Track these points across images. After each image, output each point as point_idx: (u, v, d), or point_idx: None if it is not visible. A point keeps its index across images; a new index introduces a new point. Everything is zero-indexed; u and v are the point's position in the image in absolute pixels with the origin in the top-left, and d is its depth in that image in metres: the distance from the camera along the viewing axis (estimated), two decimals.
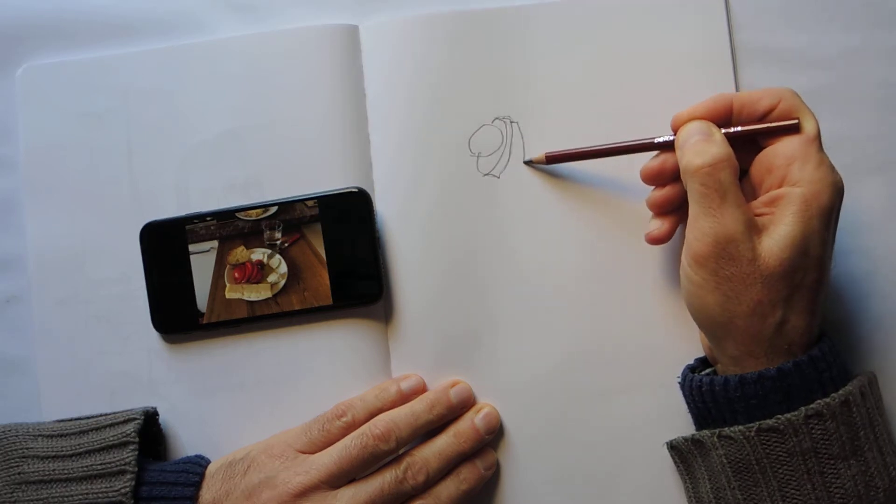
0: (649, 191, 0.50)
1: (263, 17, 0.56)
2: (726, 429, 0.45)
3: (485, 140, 0.54)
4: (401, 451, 0.50)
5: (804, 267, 0.44)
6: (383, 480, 0.48)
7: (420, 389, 0.52)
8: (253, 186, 0.54)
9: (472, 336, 0.53)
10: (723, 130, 0.47)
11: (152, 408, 0.52)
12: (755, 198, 0.47)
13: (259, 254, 0.53)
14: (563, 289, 0.54)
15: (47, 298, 0.54)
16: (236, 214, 0.53)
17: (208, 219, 0.53)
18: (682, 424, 0.51)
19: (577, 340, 0.53)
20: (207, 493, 0.48)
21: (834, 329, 0.53)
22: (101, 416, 0.51)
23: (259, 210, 0.53)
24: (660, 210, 0.50)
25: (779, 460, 0.44)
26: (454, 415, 0.52)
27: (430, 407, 0.51)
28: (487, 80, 0.55)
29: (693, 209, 0.45)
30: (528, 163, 0.54)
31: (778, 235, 0.44)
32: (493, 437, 0.52)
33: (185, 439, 0.53)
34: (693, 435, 0.48)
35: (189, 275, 0.53)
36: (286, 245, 0.53)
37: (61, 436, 0.49)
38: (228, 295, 0.53)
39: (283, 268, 0.53)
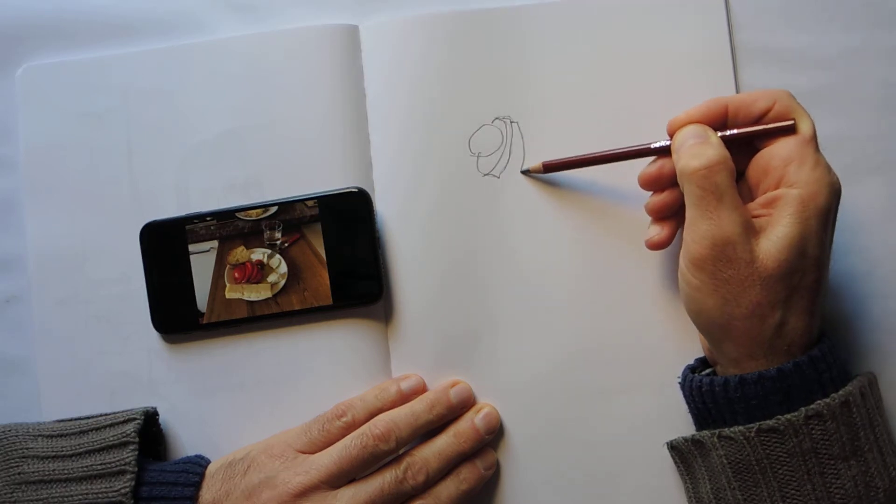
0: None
1: (263, 17, 0.56)
2: (726, 429, 0.45)
3: (485, 140, 0.54)
4: (401, 451, 0.50)
5: (802, 268, 0.44)
6: (383, 480, 0.48)
7: (420, 389, 0.52)
8: (253, 186, 0.54)
9: (472, 336, 0.53)
10: (719, 133, 0.47)
11: (152, 408, 0.52)
12: (752, 200, 0.47)
13: (259, 254, 0.53)
14: (563, 289, 0.54)
15: (47, 298, 0.54)
16: (236, 214, 0.53)
17: (208, 219, 0.53)
18: (682, 424, 0.51)
19: (577, 340, 0.53)
20: (207, 493, 0.48)
21: (834, 329, 0.53)
22: (101, 416, 0.51)
23: (259, 210, 0.53)
24: (658, 215, 0.50)
25: (779, 461, 0.44)
26: (454, 415, 0.52)
27: (430, 407, 0.51)
28: (487, 80, 0.55)
29: (690, 212, 0.45)
30: (526, 172, 0.54)
31: (775, 237, 0.44)
32: (493, 437, 0.52)
33: (185, 439, 0.53)
34: (693, 435, 0.48)
35: (189, 275, 0.53)
36: (286, 245, 0.53)
37: (61, 436, 0.49)
38: (228, 295, 0.53)
39: (283, 268, 0.53)
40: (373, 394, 0.51)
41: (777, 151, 0.46)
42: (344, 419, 0.50)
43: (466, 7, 0.55)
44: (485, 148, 0.55)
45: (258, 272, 0.53)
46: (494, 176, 0.54)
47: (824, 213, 0.44)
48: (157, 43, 0.56)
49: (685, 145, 0.46)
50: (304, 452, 0.49)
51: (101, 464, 0.47)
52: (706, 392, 0.47)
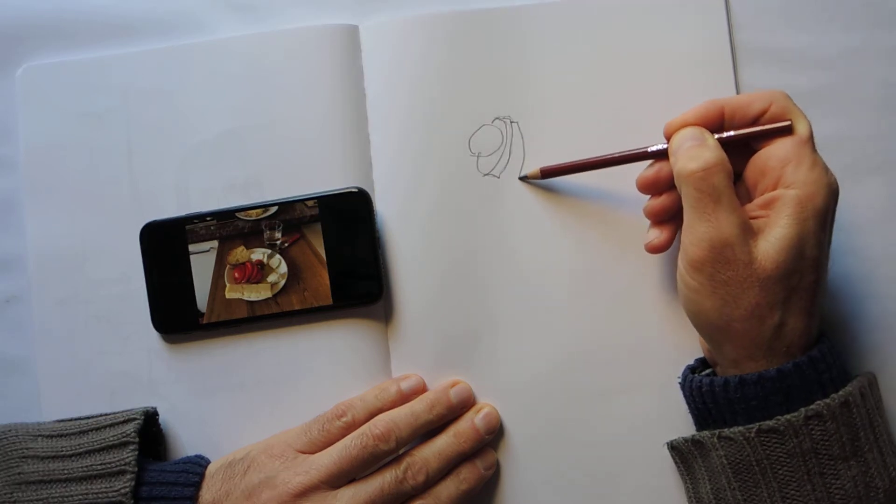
0: None
1: (263, 17, 0.56)
2: (726, 430, 0.45)
3: (485, 140, 0.54)
4: (401, 451, 0.50)
5: (801, 269, 0.44)
6: (383, 480, 0.48)
7: (420, 389, 0.52)
8: (253, 186, 0.54)
9: (472, 336, 0.53)
10: (715, 135, 0.47)
11: (152, 408, 0.52)
12: (750, 201, 0.47)
13: (259, 254, 0.53)
14: (563, 289, 0.54)
15: (47, 298, 0.54)
16: (236, 214, 0.53)
17: (208, 219, 0.53)
18: (682, 424, 0.51)
19: (577, 340, 0.53)
20: (207, 493, 0.48)
21: (833, 330, 0.53)
22: (101, 416, 0.51)
23: (259, 210, 0.53)
24: (657, 218, 0.50)
25: (779, 461, 0.44)
26: (454, 415, 0.52)
27: (430, 407, 0.51)
28: (487, 80, 0.55)
29: (688, 214, 0.45)
30: (524, 178, 0.54)
31: (773, 238, 0.44)
32: (493, 437, 0.52)
33: (185, 439, 0.53)
34: (693, 435, 0.48)
35: (189, 275, 0.53)
36: (286, 245, 0.53)
37: (61, 436, 0.49)
38: (228, 295, 0.53)
39: (283, 268, 0.53)
40: (373, 394, 0.51)
41: (774, 152, 0.46)
42: (344, 419, 0.50)
43: (466, 7, 0.55)
44: (485, 148, 0.55)
45: (258, 272, 0.53)
46: (494, 176, 0.54)
47: (822, 214, 0.44)
48: (157, 43, 0.56)
49: (682, 148, 0.46)
50: (304, 452, 0.49)
51: (101, 464, 0.47)
52: (706, 392, 0.47)
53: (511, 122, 0.55)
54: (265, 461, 0.49)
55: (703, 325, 0.46)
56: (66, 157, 0.55)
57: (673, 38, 0.55)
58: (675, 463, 0.51)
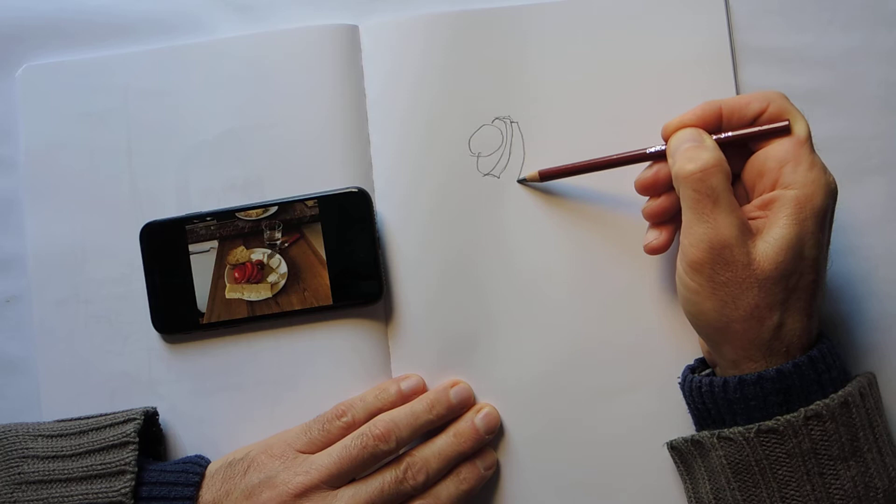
0: None
1: (263, 16, 0.56)
2: (726, 430, 0.45)
3: (485, 140, 0.54)
4: (401, 451, 0.50)
5: (800, 269, 0.44)
6: (383, 480, 0.48)
7: (420, 389, 0.52)
8: (253, 186, 0.54)
9: (472, 336, 0.53)
10: (713, 136, 0.47)
11: (152, 408, 0.52)
12: (749, 202, 0.47)
13: (259, 254, 0.53)
14: (563, 289, 0.54)
15: (47, 298, 0.54)
16: (236, 214, 0.53)
17: (208, 219, 0.53)
18: (682, 424, 0.51)
19: (577, 340, 0.53)
20: (207, 493, 0.48)
21: (833, 330, 0.53)
22: (101, 416, 0.51)
23: (259, 210, 0.53)
24: (656, 220, 0.50)
25: (778, 461, 0.44)
26: (454, 415, 0.52)
27: (430, 407, 0.51)
28: (487, 81, 0.55)
29: (686, 215, 0.45)
30: (522, 181, 0.54)
31: (772, 238, 0.44)
32: (493, 437, 0.52)
33: (185, 439, 0.53)
34: (693, 436, 0.48)
35: (189, 275, 0.53)
36: (286, 245, 0.53)
37: (61, 436, 0.49)
38: (228, 295, 0.53)
39: (283, 268, 0.53)
40: (373, 394, 0.52)
41: (772, 153, 0.46)
42: (344, 419, 0.50)
43: (466, 7, 0.55)
44: (485, 148, 0.55)
45: (258, 272, 0.53)
46: (494, 176, 0.54)
47: (821, 214, 0.44)
48: (157, 43, 0.56)
49: (680, 149, 0.46)
50: (304, 452, 0.49)
51: (101, 464, 0.47)
52: (706, 392, 0.47)
53: (511, 122, 0.55)
54: (265, 461, 0.49)
55: (703, 326, 0.46)
56: (66, 157, 0.55)
57: (673, 39, 0.55)
58: (675, 463, 0.51)
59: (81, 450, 0.48)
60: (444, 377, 0.53)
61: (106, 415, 0.51)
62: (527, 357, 0.53)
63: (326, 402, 0.52)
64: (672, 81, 0.54)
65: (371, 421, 0.50)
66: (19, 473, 0.47)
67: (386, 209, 0.54)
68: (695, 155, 0.45)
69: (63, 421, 0.51)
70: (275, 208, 0.53)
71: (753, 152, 0.47)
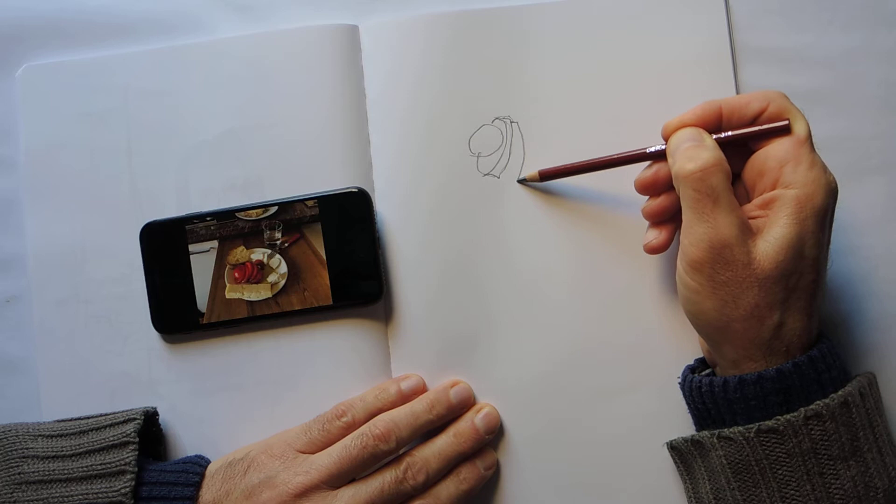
0: None
1: (263, 16, 0.56)
2: (726, 430, 0.45)
3: (485, 140, 0.54)
4: (401, 451, 0.50)
5: (800, 269, 0.44)
6: (383, 480, 0.48)
7: (420, 389, 0.52)
8: (253, 186, 0.54)
9: (472, 336, 0.53)
10: (713, 136, 0.47)
11: (152, 408, 0.52)
12: (749, 201, 0.47)
13: (259, 254, 0.53)
14: (563, 289, 0.54)
15: (47, 298, 0.54)
16: (236, 214, 0.53)
17: (208, 219, 0.53)
18: (682, 424, 0.51)
19: (577, 340, 0.53)
20: (207, 493, 0.48)
21: (833, 329, 0.53)
22: (101, 416, 0.51)
23: (259, 210, 0.53)
24: (655, 219, 0.50)
25: (778, 461, 0.44)
26: (454, 415, 0.52)
27: (430, 407, 0.51)
28: (487, 81, 0.55)
29: (686, 215, 0.45)
30: (522, 181, 0.54)
31: (772, 238, 0.44)
32: (493, 437, 0.52)
33: (185, 439, 0.53)
34: (693, 435, 0.48)
35: (189, 275, 0.53)
36: (286, 245, 0.53)
37: (61, 436, 0.49)
38: (228, 295, 0.53)
39: (283, 268, 0.53)
40: (373, 394, 0.52)
41: (772, 153, 0.46)
42: (344, 419, 0.50)
43: (466, 7, 0.55)
44: (485, 148, 0.55)
45: (258, 272, 0.53)
46: (494, 176, 0.54)
47: (821, 214, 0.44)
48: (157, 43, 0.56)
49: (680, 149, 0.46)
50: (304, 452, 0.49)
51: (101, 464, 0.47)
52: (706, 392, 0.47)
53: (511, 122, 0.55)
54: (265, 461, 0.49)
55: (703, 325, 0.46)
56: (66, 157, 0.55)
57: (673, 39, 0.55)
58: (675, 463, 0.51)
59: (81, 450, 0.48)
60: (444, 377, 0.53)
61: (106, 415, 0.51)
62: (527, 357, 0.53)
63: (326, 402, 0.52)
64: (672, 81, 0.54)
65: (371, 421, 0.50)
66: (19, 473, 0.47)
67: (386, 209, 0.54)
68: (695, 154, 0.45)
69: (63, 421, 0.51)
70: (275, 208, 0.53)
71: (754, 152, 0.47)
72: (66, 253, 0.54)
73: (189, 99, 0.55)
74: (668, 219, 0.50)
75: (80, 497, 0.46)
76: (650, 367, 0.53)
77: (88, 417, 0.51)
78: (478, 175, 0.54)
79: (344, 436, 0.50)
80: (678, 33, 0.55)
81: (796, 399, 0.44)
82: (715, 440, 0.46)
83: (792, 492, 0.44)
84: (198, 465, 0.50)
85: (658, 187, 0.49)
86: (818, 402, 0.44)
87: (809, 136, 0.46)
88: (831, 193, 0.45)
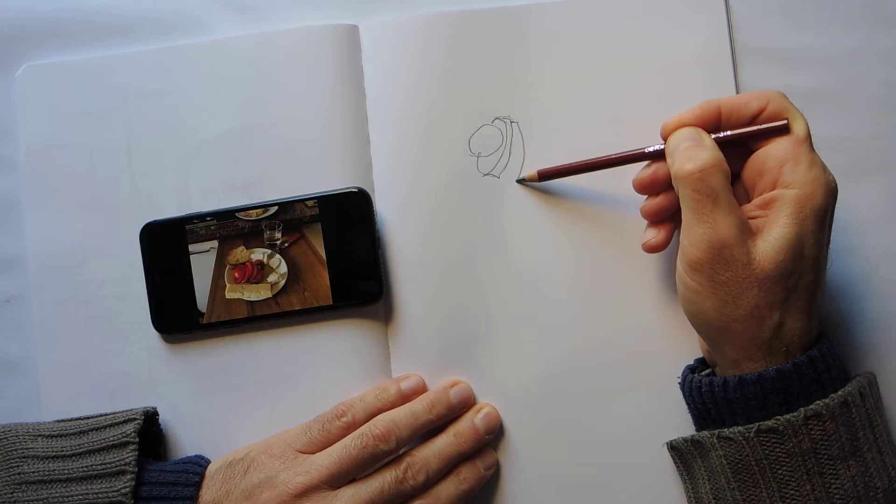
0: None
1: (263, 16, 0.56)
2: (725, 430, 0.45)
3: (485, 140, 0.55)
4: (401, 451, 0.50)
5: (800, 269, 0.44)
6: (383, 480, 0.48)
7: (420, 389, 0.52)
8: (253, 186, 0.54)
9: (472, 336, 0.53)
10: (712, 135, 0.47)
11: (152, 408, 0.52)
12: (748, 201, 0.47)
13: (259, 254, 0.53)
14: (563, 289, 0.54)
15: (47, 298, 0.54)
16: (236, 214, 0.53)
17: (208, 219, 0.53)
18: (682, 424, 0.51)
19: (577, 340, 0.53)
20: (207, 493, 0.48)
21: (833, 329, 0.53)
22: (101, 416, 0.51)
23: (259, 210, 0.53)
24: (654, 219, 0.50)
25: (778, 461, 0.44)
26: (454, 415, 0.52)
27: (430, 407, 0.51)
28: (487, 80, 0.55)
29: (686, 215, 0.45)
30: (521, 181, 0.54)
31: (772, 238, 0.44)
32: (493, 437, 0.52)
33: (185, 439, 0.53)
34: (693, 435, 0.48)
35: (189, 275, 0.53)
36: (286, 245, 0.53)
37: (61, 436, 0.49)
38: (228, 295, 0.53)
39: (283, 268, 0.53)
40: (373, 394, 0.52)
41: (771, 152, 0.46)
42: (344, 419, 0.50)
43: (466, 7, 0.55)
44: (485, 148, 0.55)
45: (258, 272, 0.53)
46: (494, 176, 0.54)
47: (821, 213, 0.44)
48: (157, 43, 0.56)
49: (679, 149, 0.46)
50: (304, 452, 0.49)
51: (101, 464, 0.47)
52: (705, 392, 0.47)
53: (511, 122, 0.55)
54: (265, 461, 0.49)
55: (703, 325, 0.46)
56: (66, 157, 0.55)
57: (673, 39, 0.55)
58: (675, 463, 0.51)
59: (81, 450, 0.48)
60: (444, 377, 0.53)
61: (106, 415, 0.51)
62: (527, 357, 0.53)
63: (326, 402, 0.52)
64: (672, 81, 0.54)
65: (371, 421, 0.50)
66: (19, 473, 0.47)
67: (386, 209, 0.54)
68: (694, 154, 0.45)
69: (63, 421, 0.51)
70: (275, 208, 0.53)
71: (753, 151, 0.47)
72: (66, 253, 0.54)
73: (189, 99, 0.55)
74: (667, 218, 0.50)
75: (80, 497, 0.46)
76: (650, 367, 0.53)
77: (88, 417, 0.51)
78: (478, 175, 0.54)
79: (344, 436, 0.50)
80: (678, 33, 0.55)
81: (796, 399, 0.44)
82: (715, 440, 0.46)
83: (792, 492, 0.44)
84: (198, 465, 0.50)
85: (657, 187, 0.49)
86: (818, 402, 0.44)
87: (808, 136, 0.46)
88: (831, 193, 0.45)
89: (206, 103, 0.55)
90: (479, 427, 0.51)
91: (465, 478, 0.50)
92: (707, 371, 0.49)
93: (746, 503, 0.45)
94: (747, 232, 0.44)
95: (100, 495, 0.47)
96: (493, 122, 0.55)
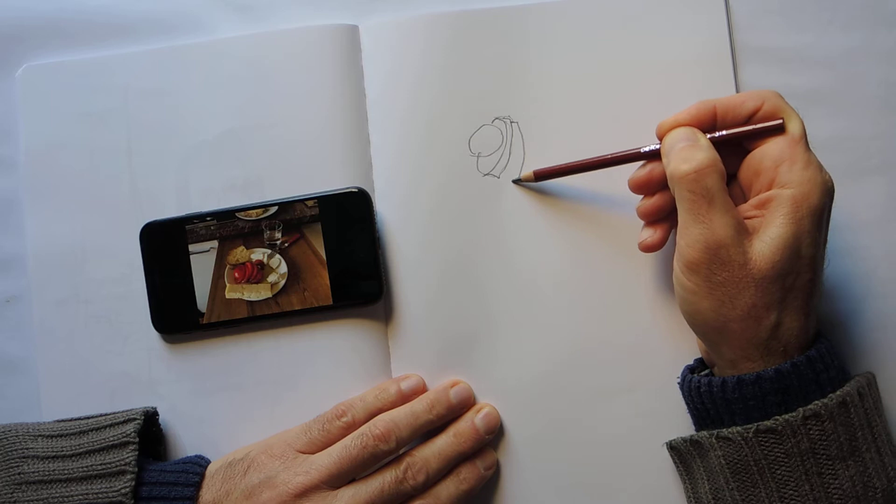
0: None
1: (263, 16, 0.56)
2: (724, 430, 0.45)
3: (485, 140, 0.55)
4: (401, 451, 0.50)
5: (797, 268, 0.44)
6: (383, 480, 0.48)
7: (420, 389, 0.52)
8: (253, 186, 0.54)
9: (471, 336, 0.53)
10: (708, 135, 0.47)
11: (152, 408, 0.52)
12: (745, 201, 0.47)
13: (259, 254, 0.53)
14: (563, 288, 0.54)
15: (47, 298, 0.54)
16: (236, 214, 0.53)
17: (208, 219, 0.53)
18: (681, 424, 0.51)
19: (577, 340, 0.53)
20: (207, 493, 0.48)
21: (832, 329, 0.53)
22: (101, 416, 0.51)
23: (259, 210, 0.53)
24: (650, 218, 0.50)
25: (777, 461, 0.44)
26: (454, 415, 0.52)
27: (430, 407, 0.51)
28: (487, 80, 0.55)
29: (682, 216, 0.45)
30: (518, 181, 0.54)
31: (769, 238, 0.44)
32: (493, 437, 0.52)
33: (185, 439, 0.53)
34: (692, 436, 0.48)
35: (189, 275, 0.53)
36: (286, 245, 0.53)
37: (61, 436, 0.49)
38: (228, 295, 0.53)
39: (283, 268, 0.53)
40: (373, 394, 0.52)
41: (767, 152, 0.46)
42: (344, 419, 0.50)
43: (466, 7, 0.55)
44: (485, 148, 0.55)
45: (258, 272, 0.53)
46: (494, 176, 0.54)
47: (817, 213, 0.44)
48: (157, 43, 0.56)
49: (674, 149, 0.46)
50: (305, 452, 0.49)
51: (101, 464, 0.48)
52: (704, 393, 0.47)
53: (511, 122, 0.55)
54: (265, 461, 0.49)
55: (700, 326, 0.46)
56: (66, 157, 0.55)
57: (673, 38, 0.55)
58: (674, 463, 0.51)
59: (81, 450, 0.48)
60: (444, 377, 0.53)
61: (106, 415, 0.51)
62: (527, 357, 0.53)
63: (326, 402, 0.52)
64: (672, 81, 0.54)
65: (371, 421, 0.50)
66: (19, 473, 0.47)
67: (386, 209, 0.54)
68: (689, 155, 0.45)
69: (63, 421, 0.51)
70: (275, 208, 0.53)
71: (749, 151, 0.47)
72: (66, 253, 0.54)
73: (189, 99, 0.55)
74: (663, 217, 0.50)
75: (80, 497, 0.46)
76: (650, 367, 0.53)
77: (88, 417, 0.51)
78: (478, 175, 0.54)
79: (344, 436, 0.50)
80: (678, 33, 0.55)
81: (795, 399, 0.44)
82: (714, 440, 0.46)
83: (790, 492, 0.44)
84: (198, 466, 0.50)
85: (652, 186, 0.49)
86: (816, 402, 0.44)
87: (804, 135, 0.46)
88: (827, 192, 0.45)
89: (206, 103, 0.55)
90: (479, 427, 0.51)
91: (465, 478, 0.50)
92: (706, 371, 0.49)
93: (745, 503, 0.45)
94: (743, 232, 0.44)
95: (100, 495, 0.47)
96: (493, 122, 0.55)
